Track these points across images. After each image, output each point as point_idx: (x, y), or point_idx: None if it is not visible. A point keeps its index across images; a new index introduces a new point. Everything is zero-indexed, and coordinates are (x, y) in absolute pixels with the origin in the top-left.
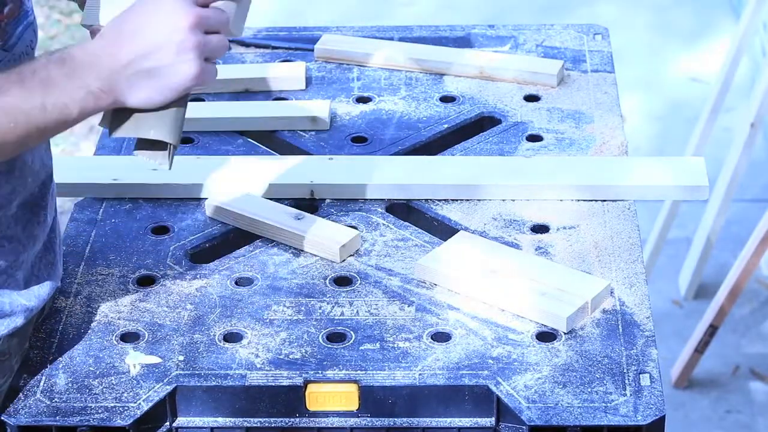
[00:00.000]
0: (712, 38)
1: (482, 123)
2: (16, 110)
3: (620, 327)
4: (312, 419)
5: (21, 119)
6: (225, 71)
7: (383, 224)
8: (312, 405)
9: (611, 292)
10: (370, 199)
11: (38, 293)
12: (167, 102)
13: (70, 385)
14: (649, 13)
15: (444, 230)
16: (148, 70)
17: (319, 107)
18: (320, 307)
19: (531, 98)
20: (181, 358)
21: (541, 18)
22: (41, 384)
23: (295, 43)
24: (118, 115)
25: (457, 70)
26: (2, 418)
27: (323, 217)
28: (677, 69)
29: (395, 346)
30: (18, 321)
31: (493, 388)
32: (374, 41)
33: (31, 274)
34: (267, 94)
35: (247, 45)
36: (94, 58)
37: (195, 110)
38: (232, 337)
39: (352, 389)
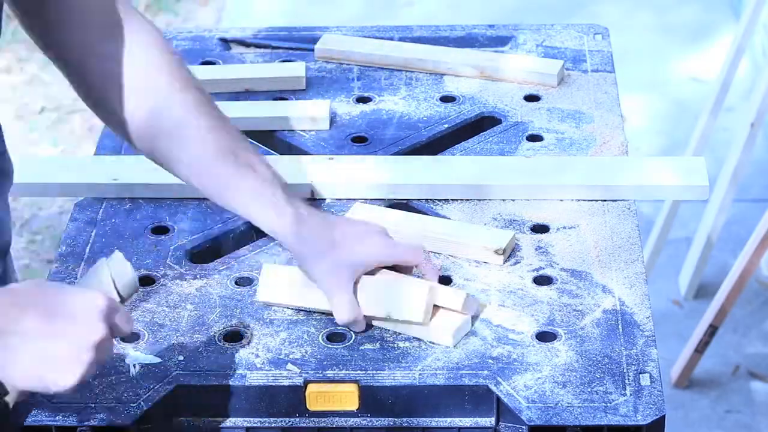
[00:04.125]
0: (713, 38)
1: (482, 123)
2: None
3: (620, 327)
4: (312, 419)
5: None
6: (225, 71)
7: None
8: (312, 405)
9: (612, 294)
10: (370, 199)
11: None
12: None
13: None
14: (649, 13)
15: None
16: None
17: (319, 107)
18: None
19: (531, 98)
20: (181, 358)
21: (541, 18)
22: None
23: (295, 43)
24: None
25: (457, 70)
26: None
27: None
28: (678, 69)
29: (395, 346)
30: None
31: (493, 388)
32: (374, 41)
33: None
34: (267, 94)
35: (247, 45)
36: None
37: None
38: (232, 337)
39: (352, 389)
